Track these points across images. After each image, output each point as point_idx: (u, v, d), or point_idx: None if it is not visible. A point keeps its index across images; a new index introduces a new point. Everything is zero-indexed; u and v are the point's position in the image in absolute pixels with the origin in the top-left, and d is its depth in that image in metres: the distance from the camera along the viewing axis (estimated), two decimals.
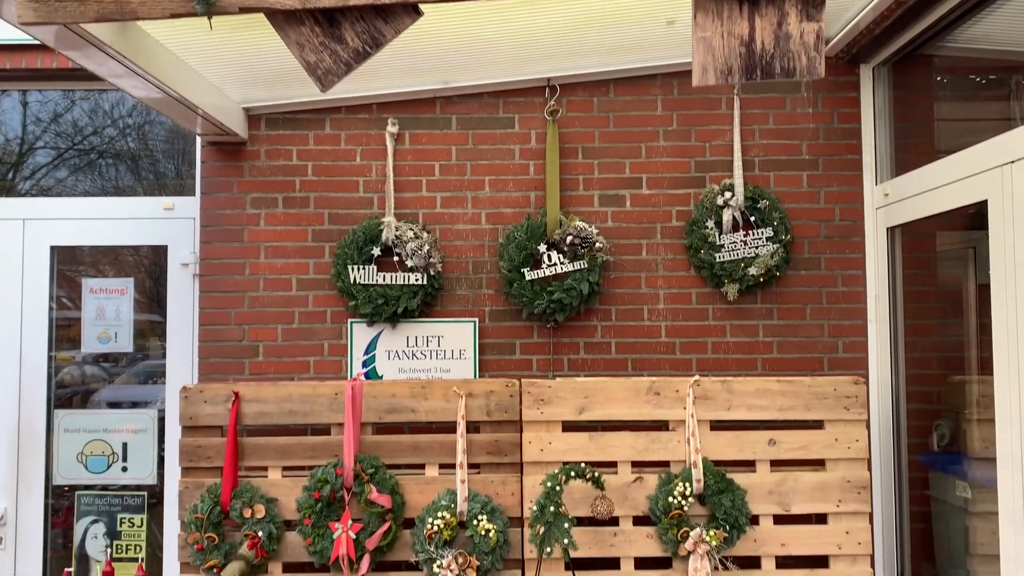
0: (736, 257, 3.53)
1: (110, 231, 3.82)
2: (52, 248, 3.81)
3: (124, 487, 3.74)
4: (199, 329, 3.64)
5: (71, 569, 3.23)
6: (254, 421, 3.30)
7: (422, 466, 3.31)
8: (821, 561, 3.25)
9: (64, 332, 3.82)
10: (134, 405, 3.80)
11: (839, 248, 3.62)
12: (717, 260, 3.54)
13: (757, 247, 3.54)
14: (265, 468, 3.29)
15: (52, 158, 4.16)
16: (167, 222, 3.81)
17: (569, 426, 3.33)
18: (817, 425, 3.29)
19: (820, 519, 3.27)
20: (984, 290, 2.79)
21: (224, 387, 3.30)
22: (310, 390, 3.31)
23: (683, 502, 3.15)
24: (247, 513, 3.15)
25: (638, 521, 3.27)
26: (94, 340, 3.80)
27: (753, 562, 3.24)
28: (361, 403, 3.28)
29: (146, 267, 3.91)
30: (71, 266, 3.86)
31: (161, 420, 3.76)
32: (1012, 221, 2.58)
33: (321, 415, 3.29)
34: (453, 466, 3.23)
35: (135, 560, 3.67)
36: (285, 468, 3.29)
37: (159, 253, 3.84)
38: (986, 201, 2.74)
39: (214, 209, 3.66)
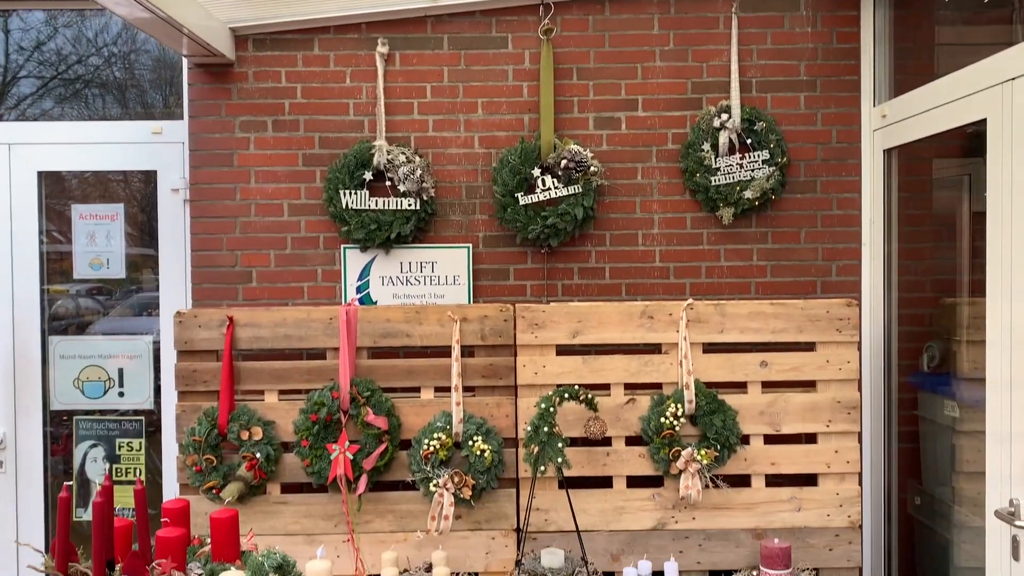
0: (732, 180, 3.51)
1: (98, 155, 3.76)
2: (39, 174, 3.76)
3: (122, 412, 3.77)
4: (191, 255, 3.62)
5: (71, 483, 3.28)
6: (249, 346, 3.31)
7: (417, 389, 3.34)
8: (810, 479, 3.31)
9: (56, 266, 3.80)
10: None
11: (835, 171, 3.59)
12: (712, 183, 3.51)
13: (753, 170, 3.51)
14: (261, 392, 3.32)
15: (36, 88, 4.07)
16: (155, 147, 3.75)
17: (563, 350, 3.35)
18: (809, 347, 3.32)
19: (810, 439, 3.32)
20: (977, 217, 2.78)
21: (218, 312, 3.30)
22: (304, 315, 3.31)
23: (675, 422, 3.20)
24: (244, 435, 3.19)
25: (630, 441, 3.32)
26: (86, 267, 3.78)
27: (743, 480, 3.31)
28: (356, 328, 3.29)
29: (137, 199, 3.86)
30: (60, 200, 3.82)
31: (156, 349, 3.77)
32: (1011, 139, 2.56)
33: (316, 339, 3.31)
34: (448, 389, 3.26)
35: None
36: (281, 392, 3.32)
37: (149, 180, 3.80)
38: (985, 120, 2.70)
39: (202, 133, 3.61)
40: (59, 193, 3.82)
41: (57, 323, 3.79)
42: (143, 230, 3.82)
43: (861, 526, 3.29)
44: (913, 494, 3.48)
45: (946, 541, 3.24)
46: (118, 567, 1.65)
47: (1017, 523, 2.41)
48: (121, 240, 3.79)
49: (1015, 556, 2.47)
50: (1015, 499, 2.46)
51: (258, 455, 3.18)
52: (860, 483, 3.32)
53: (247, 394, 3.34)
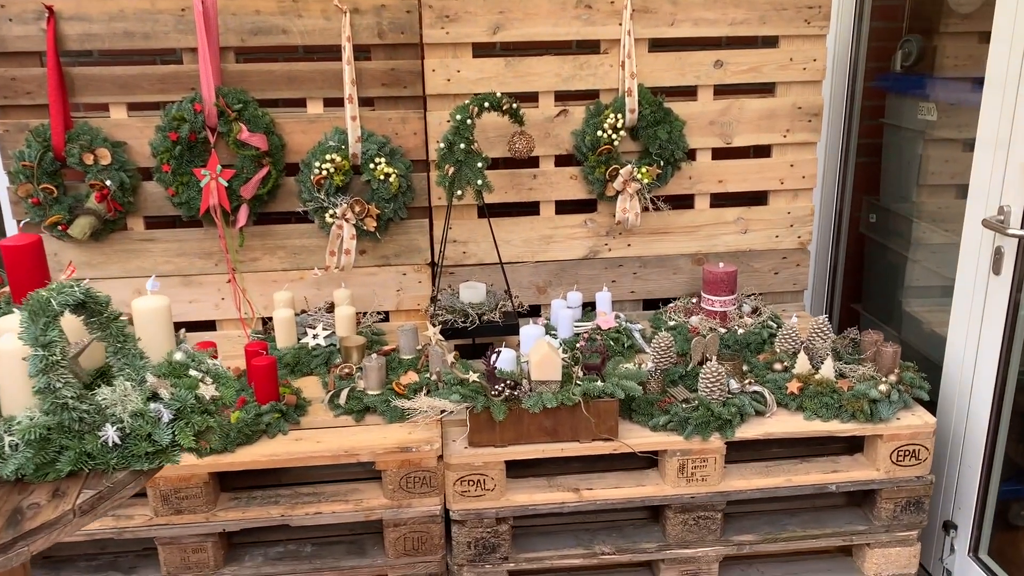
0: None
1: None
2: None
3: None
4: None
5: None
6: (81, 46, 2.60)
7: (303, 102, 2.75)
8: (759, 199, 2.97)
9: None
10: None
11: None
12: None
13: None
14: (106, 106, 2.67)
15: None
16: None
17: (481, 51, 2.77)
18: (771, 43, 2.82)
19: (763, 152, 2.93)
20: None
21: (33, 1, 2.54)
22: (148, 4, 2.58)
23: (613, 136, 2.73)
24: (88, 159, 2.57)
25: (561, 161, 2.87)
26: None
27: (686, 201, 2.94)
28: (216, 22, 2.60)
29: None
30: None
31: None
32: None
33: (167, 38, 2.61)
34: (340, 102, 2.67)
35: None
36: (131, 106, 2.68)
37: None
38: None
39: None
40: None
41: None
42: None
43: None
44: (868, 211, 3.19)
45: (900, 259, 3.00)
46: None
47: (1009, 231, 2.10)
48: None
49: (995, 270, 2.20)
50: (1006, 206, 2.13)
51: (109, 183, 2.58)
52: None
53: (89, 109, 2.69)
